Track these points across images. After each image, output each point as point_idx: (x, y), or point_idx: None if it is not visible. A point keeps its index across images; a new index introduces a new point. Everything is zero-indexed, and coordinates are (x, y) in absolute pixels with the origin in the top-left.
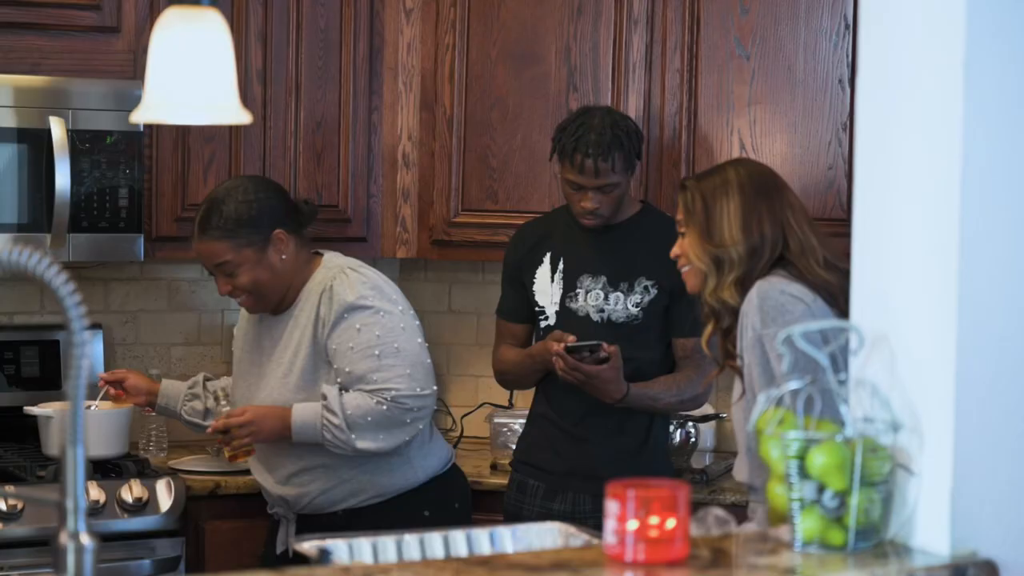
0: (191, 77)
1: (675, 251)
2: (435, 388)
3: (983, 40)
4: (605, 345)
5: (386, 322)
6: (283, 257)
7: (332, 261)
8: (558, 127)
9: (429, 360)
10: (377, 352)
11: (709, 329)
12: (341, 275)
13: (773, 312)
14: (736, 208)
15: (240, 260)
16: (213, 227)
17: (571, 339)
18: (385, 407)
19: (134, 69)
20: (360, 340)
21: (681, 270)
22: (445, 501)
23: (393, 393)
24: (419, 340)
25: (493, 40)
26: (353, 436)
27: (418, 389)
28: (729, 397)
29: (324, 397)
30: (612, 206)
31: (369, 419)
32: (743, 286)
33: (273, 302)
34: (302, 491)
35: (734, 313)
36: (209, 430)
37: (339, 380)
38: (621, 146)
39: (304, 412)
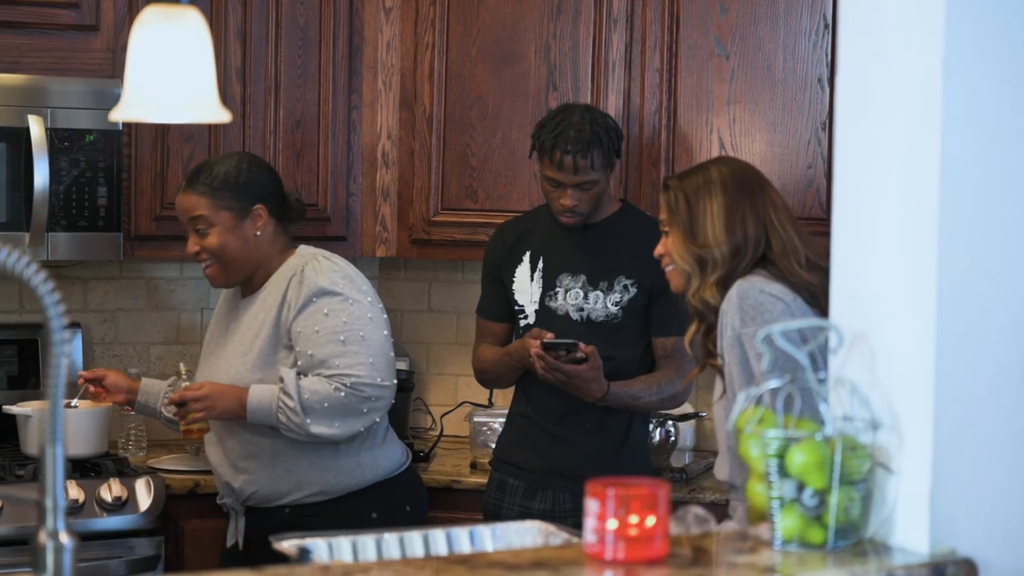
0: (171, 75)
1: (659, 250)
2: (395, 382)
3: (962, 39)
4: (582, 345)
5: (354, 310)
6: (257, 233)
7: (306, 250)
8: (538, 124)
9: (392, 354)
10: (342, 338)
11: (692, 328)
12: (314, 261)
13: (752, 311)
14: (720, 208)
15: (215, 220)
16: (199, 182)
17: (548, 336)
18: (343, 394)
19: (113, 67)
20: (327, 324)
21: (665, 269)
22: (395, 503)
23: (353, 380)
24: (385, 332)
25: (473, 39)
26: (308, 420)
27: (379, 379)
28: (709, 396)
29: (281, 380)
30: (591, 204)
31: (326, 405)
32: (725, 285)
33: (236, 277)
34: (248, 478)
35: (715, 312)
36: (166, 401)
37: (300, 363)
38: (600, 143)
39: (260, 393)
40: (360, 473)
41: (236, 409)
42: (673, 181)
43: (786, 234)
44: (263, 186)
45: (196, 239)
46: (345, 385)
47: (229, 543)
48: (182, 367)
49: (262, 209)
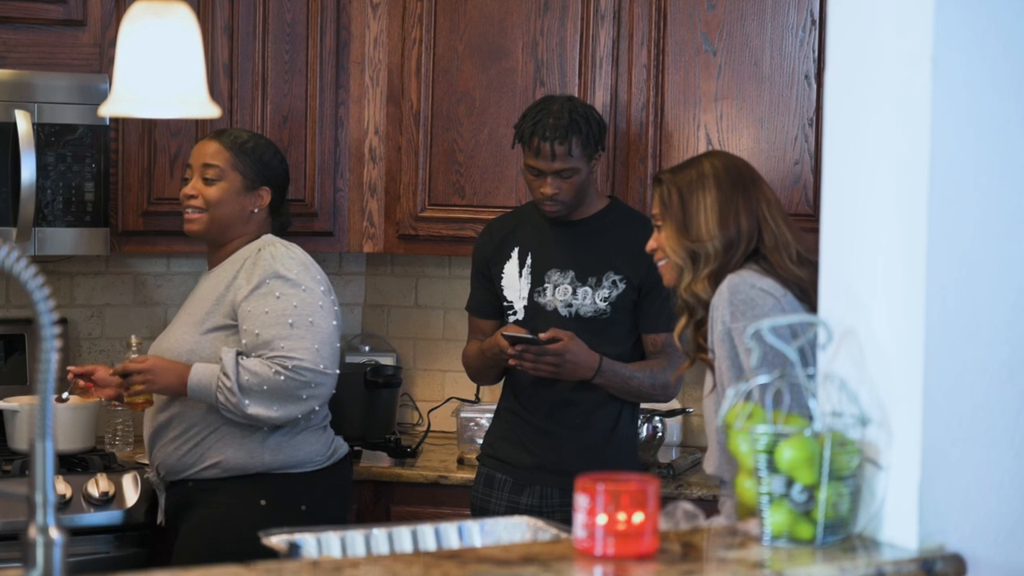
0: (159, 71)
1: (651, 245)
2: (337, 372)
3: (950, 35)
4: (541, 336)
5: (305, 297)
6: (254, 211)
7: (268, 238)
8: (520, 116)
9: (339, 345)
10: (290, 321)
11: (682, 322)
12: (271, 247)
13: (743, 306)
14: (713, 202)
15: (226, 176)
16: (230, 138)
17: (511, 329)
18: (283, 377)
19: (100, 63)
20: (277, 307)
21: (657, 264)
22: (292, 498)
23: (295, 363)
24: (334, 323)
25: (460, 35)
26: (246, 401)
27: (321, 366)
28: (696, 392)
29: (221, 360)
30: (573, 193)
31: (264, 387)
32: (717, 279)
33: (212, 235)
34: (162, 450)
35: (706, 306)
36: (111, 372)
37: (245, 343)
38: (579, 130)
39: (201, 372)
40: (259, 457)
41: (176, 385)
42: (666, 175)
43: (778, 229)
44: (278, 174)
45: (198, 185)
46: (285, 368)
47: (159, 520)
48: (133, 339)
49: (267, 192)
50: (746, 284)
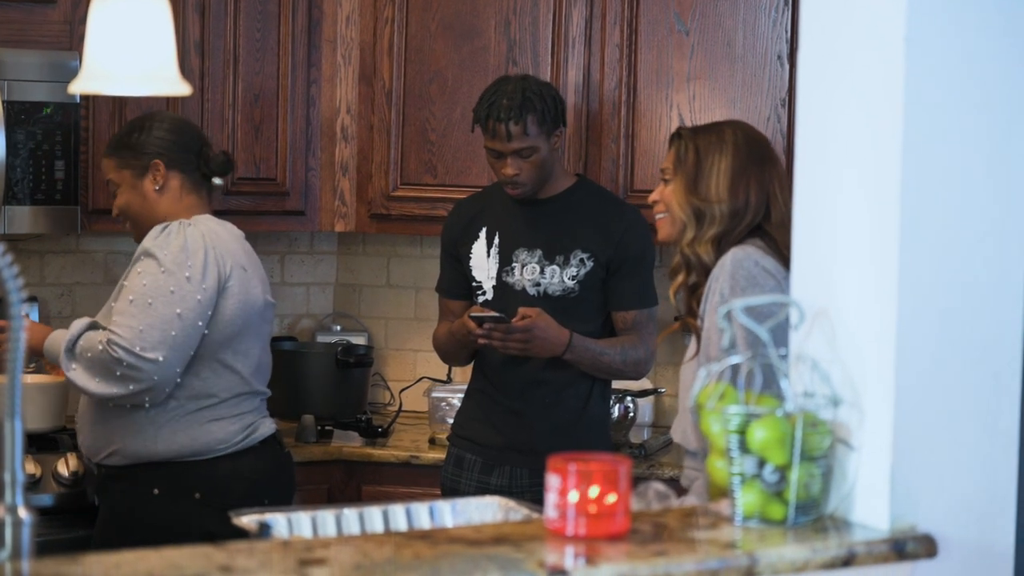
0: (130, 48)
1: (654, 196)
2: (162, 361)
3: (923, 16)
4: (507, 319)
5: (160, 279)
6: (157, 188)
7: (199, 219)
8: (479, 98)
9: (179, 336)
10: (132, 298)
11: (679, 280)
12: (173, 225)
13: (744, 282)
14: (727, 167)
15: (119, 180)
16: (108, 146)
17: (477, 310)
18: (100, 348)
19: (70, 40)
20: (132, 283)
21: (656, 216)
22: (185, 487)
23: (112, 338)
24: (178, 311)
25: (432, 13)
26: (73, 366)
27: (137, 348)
28: (667, 372)
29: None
30: (534, 172)
31: (88, 355)
32: (719, 246)
33: (146, 230)
34: (81, 434)
35: (706, 272)
36: None
37: None
38: (533, 108)
39: (58, 334)
40: (152, 446)
41: (34, 344)
42: (686, 132)
43: (786, 208)
44: (162, 142)
45: (114, 201)
46: (103, 341)
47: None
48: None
49: (159, 163)
50: (750, 261)
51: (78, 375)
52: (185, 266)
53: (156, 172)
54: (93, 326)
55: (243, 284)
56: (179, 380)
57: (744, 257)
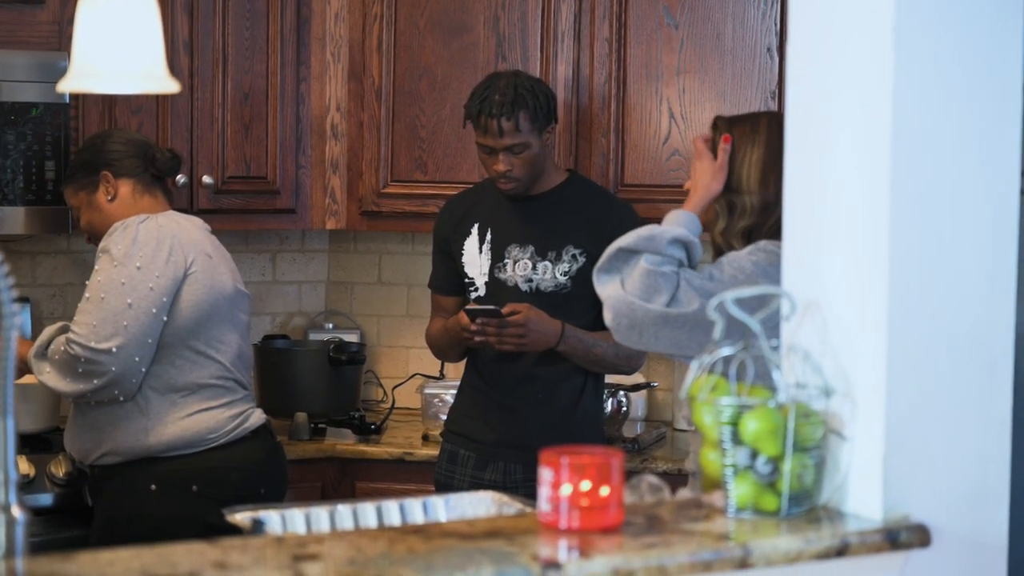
0: (118, 46)
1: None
2: (116, 351)
3: (912, 6)
4: (501, 311)
5: (113, 273)
6: (109, 198)
7: (159, 214)
8: (470, 94)
9: (131, 326)
10: (88, 295)
11: None
12: (129, 220)
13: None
14: (758, 159)
15: (78, 203)
16: (64, 176)
17: (470, 305)
18: (62, 348)
19: (59, 40)
20: (91, 281)
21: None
22: (181, 480)
23: (70, 336)
24: (129, 301)
25: (421, 10)
26: (47, 369)
27: (92, 342)
28: (660, 367)
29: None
30: (526, 168)
31: (56, 358)
32: (749, 238)
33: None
34: (68, 435)
35: None
36: None
37: None
38: (525, 104)
39: (38, 339)
40: (144, 441)
41: (21, 354)
42: (722, 120)
43: None
44: (104, 153)
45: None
46: (63, 342)
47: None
48: None
49: (107, 174)
50: (776, 266)
51: (50, 377)
52: (136, 257)
53: (106, 183)
54: (63, 330)
55: (208, 271)
56: (145, 369)
57: (778, 260)
